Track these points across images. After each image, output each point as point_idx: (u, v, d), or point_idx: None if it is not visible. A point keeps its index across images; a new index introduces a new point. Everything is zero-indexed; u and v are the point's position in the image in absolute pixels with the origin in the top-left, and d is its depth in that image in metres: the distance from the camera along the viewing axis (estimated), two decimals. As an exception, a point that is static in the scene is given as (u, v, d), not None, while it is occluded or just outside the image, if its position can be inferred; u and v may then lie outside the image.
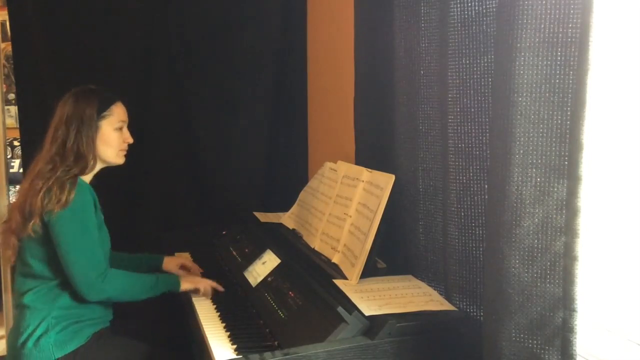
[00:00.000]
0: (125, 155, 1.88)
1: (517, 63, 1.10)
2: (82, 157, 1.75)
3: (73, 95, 1.81)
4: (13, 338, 1.74)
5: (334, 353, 1.31)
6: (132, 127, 1.90)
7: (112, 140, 1.82)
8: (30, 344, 1.69)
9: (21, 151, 2.59)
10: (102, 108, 1.81)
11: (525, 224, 1.13)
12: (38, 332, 1.70)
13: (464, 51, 1.38)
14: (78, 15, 2.45)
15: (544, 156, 1.11)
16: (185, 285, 1.86)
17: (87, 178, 1.82)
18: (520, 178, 1.13)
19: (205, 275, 2.10)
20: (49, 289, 1.74)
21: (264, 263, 1.89)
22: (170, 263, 2.13)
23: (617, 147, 1.26)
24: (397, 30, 1.69)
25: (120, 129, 1.85)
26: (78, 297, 1.73)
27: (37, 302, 1.73)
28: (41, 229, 1.68)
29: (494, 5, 1.31)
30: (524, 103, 1.11)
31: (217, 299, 1.86)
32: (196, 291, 1.87)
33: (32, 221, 1.66)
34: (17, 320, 1.76)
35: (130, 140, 1.88)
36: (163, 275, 1.88)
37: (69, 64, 2.43)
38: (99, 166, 1.84)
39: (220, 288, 1.89)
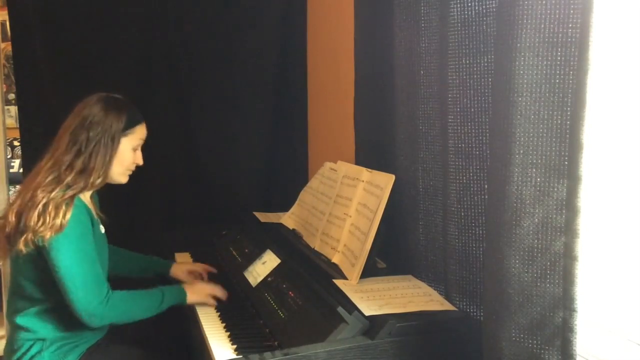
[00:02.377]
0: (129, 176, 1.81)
1: (517, 63, 1.10)
2: (89, 172, 1.65)
3: (101, 102, 1.71)
4: (7, 354, 1.72)
5: (334, 353, 1.31)
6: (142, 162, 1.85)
7: (125, 160, 1.74)
8: None
9: (21, 151, 2.59)
10: (129, 125, 1.73)
11: (525, 224, 1.13)
12: (31, 353, 1.66)
13: (464, 51, 1.38)
14: (78, 16, 2.45)
15: (544, 156, 1.11)
16: (192, 298, 1.79)
17: (89, 192, 1.74)
18: (520, 178, 1.13)
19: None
20: (40, 311, 1.67)
21: (264, 263, 1.89)
22: (179, 270, 2.06)
23: (617, 147, 1.26)
24: (397, 30, 1.69)
25: (135, 149, 1.78)
26: (72, 319, 1.64)
27: (29, 323, 1.67)
28: (33, 250, 1.59)
29: (494, 5, 1.31)
30: (524, 103, 1.11)
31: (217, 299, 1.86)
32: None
33: (24, 237, 1.57)
34: (11, 338, 1.72)
35: (140, 162, 1.80)
36: (169, 290, 1.78)
37: (69, 64, 2.43)
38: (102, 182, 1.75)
39: (224, 295, 1.84)
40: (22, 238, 1.57)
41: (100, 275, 1.66)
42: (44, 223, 1.56)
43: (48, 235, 1.56)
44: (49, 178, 1.63)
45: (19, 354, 1.67)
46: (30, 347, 1.67)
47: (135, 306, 1.71)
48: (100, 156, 1.67)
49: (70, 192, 1.62)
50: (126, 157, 1.75)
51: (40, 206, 1.57)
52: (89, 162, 1.66)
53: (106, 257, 1.81)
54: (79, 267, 1.60)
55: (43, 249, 1.58)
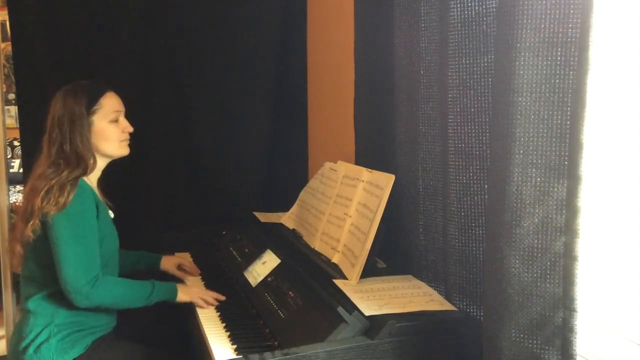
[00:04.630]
0: (129, 145, 1.85)
1: (517, 63, 1.10)
2: (81, 157, 1.72)
3: (62, 94, 1.77)
4: (15, 342, 1.73)
5: (334, 353, 1.31)
6: (132, 127, 1.88)
7: (109, 134, 1.78)
8: (31, 350, 1.67)
9: (21, 151, 2.58)
10: (91, 103, 1.76)
11: (525, 224, 1.13)
12: (40, 339, 1.68)
13: (464, 51, 1.38)
14: (78, 16, 2.44)
15: (544, 156, 1.11)
16: (182, 297, 1.81)
17: (94, 176, 1.80)
18: (520, 178, 1.13)
19: (205, 275, 2.11)
20: (51, 295, 1.71)
21: (264, 263, 1.89)
22: (168, 263, 2.12)
23: (617, 147, 1.27)
24: (397, 30, 1.69)
25: (116, 120, 1.81)
26: None
27: (40, 307, 1.71)
28: (40, 230, 1.66)
29: (494, 5, 1.31)
30: (524, 103, 1.11)
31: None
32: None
33: (31, 222, 1.64)
34: (20, 325, 1.74)
35: (130, 129, 1.84)
36: (160, 284, 1.81)
37: (69, 64, 2.43)
38: (103, 162, 1.82)
39: (220, 297, 1.83)
40: (30, 224, 1.64)
41: (94, 257, 1.69)
42: (48, 202, 1.63)
43: (52, 212, 1.63)
44: (49, 171, 1.70)
45: (27, 340, 1.69)
46: (39, 333, 1.69)
47: (123, 293, 1.75)
48: (79, 141, 1.73)
49: (73, 175, 1.69)
50: (108, 131, 1.79)
51: (44, 190, 1.64)
52: (77, 149, 1.72)
53: (115, 240, 1.85)
54: (74, 244, 1.64)
55: (46, 225, 1.65)
